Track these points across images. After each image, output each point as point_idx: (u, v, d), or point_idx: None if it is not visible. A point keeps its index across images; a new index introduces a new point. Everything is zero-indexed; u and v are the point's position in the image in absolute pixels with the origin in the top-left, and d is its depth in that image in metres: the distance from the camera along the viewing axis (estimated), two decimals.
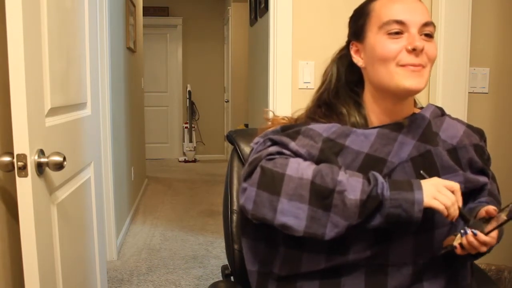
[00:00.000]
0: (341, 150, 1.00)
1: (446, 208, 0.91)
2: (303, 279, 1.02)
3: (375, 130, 1.03)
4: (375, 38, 1.01)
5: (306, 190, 0.92)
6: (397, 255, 1.00)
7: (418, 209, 0.90)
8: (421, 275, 1.03)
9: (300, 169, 0.94)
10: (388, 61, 0.99)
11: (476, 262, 1.15)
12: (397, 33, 0.98)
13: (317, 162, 0.99)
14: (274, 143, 1.01)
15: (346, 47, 1.13)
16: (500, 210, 0.94)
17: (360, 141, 1.01)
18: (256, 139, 1.06)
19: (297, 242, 1.01)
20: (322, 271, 1.01)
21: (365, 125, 1.07)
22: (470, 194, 1.07)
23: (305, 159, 0.99)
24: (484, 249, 0.94)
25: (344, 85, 1.12)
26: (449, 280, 1.05)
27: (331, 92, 1.11)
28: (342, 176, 0.92)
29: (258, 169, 0.95)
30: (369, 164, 1.00)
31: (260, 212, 0.95)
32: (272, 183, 0.93)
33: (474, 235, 0.92)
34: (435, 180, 0.94)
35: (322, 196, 0.92)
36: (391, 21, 0.98)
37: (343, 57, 1.14)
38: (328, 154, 1.00)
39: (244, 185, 0.97)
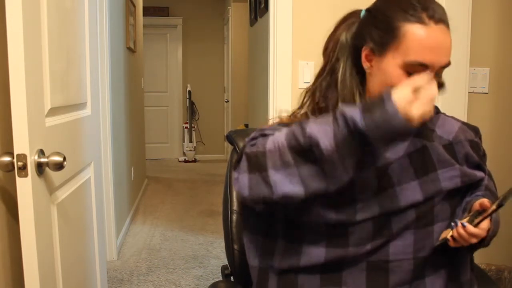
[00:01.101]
0: None
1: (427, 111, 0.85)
2: (304, 273, 1.03)
3: None
4: (394, 68, 0.96)
5: (288, 155, 0.89)
6: (397, 250, 1.00)
7: (398, 118, 0.82)
8: (423, 271, 1.03)
9: (275, 141, 0.92)
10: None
11: (476, 262, 1.15)
12: (420, 70, 0.94)
13: None
14: (263, 135, 1.01)
15: (360, 49, 1.04)
16: (493, 202, 0.95)
17: None
18: (252, 134, 1.04)
19: (296, 235, 1.02)
20: (322, 266, 1.01)
21: None
22: (467, 189, 1.08)
23: None
24: (474, 240, 0.95)
25: (352, 65, 1.05)
26: (449, 275, 1.05)
27: (342, 74, 1.05)
28: (311, 128, 0.88)
29: (244, 157, 0.96)
30: (363, 158, 1.00)
31: (257, 192, 0.93)
32: (258, 164, 0.92)
33: (463, 226, 0.93)
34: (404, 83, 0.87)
35: (304, 154, 0.88)
36: (416, 63, 0.94)
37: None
38: None
39: (235, 175, 0.97)
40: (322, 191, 0.89)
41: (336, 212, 0.98)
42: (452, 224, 0.96)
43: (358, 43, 1.03)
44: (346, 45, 1.07)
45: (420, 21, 0.94)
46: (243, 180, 0.95)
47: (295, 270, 1.03)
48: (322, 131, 0.86)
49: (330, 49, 1.10)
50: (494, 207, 0.92)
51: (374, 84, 1.02)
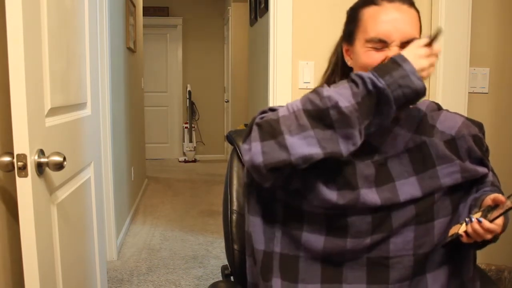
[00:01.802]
0: None
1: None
2: (305, 261, 1.03)
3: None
4: (361, 48, 1.05)
5: (303, 118, 0.92)
6: (397, 246, 1.01)
7: (416, 78, 0.91)
8: (424, 267, 1.04)
9: (289, 107, 0.95)
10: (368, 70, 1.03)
11: (476, 262, 1.15)
12: (379, 48, 1.03)
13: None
14: (272, 109, 1.02)
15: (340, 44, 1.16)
16: (508, 197, 0.94)
17: None
18: (261, 110, 1.08)
19: (296, 222, 1.03)
20: (322, 256, 1.02)
21: None
22: (470, 185, 1.08)
23: None
24: (489, 236, 0.94)
25: (348, 66, 1.15)
26: (452, 272, 1.06)
27: (340, 71, 1.15)
28: (328, 91, 0.92)
29: (255, 127, 0.96)
30: (361, 149, 1.01)
31: (274, 157, 0.92)
32: (271, 130, 0.93)
33: (479, 222, 0.92)
34: (410, 46, 0.97)
35: (319, 117, 0.91)
36: (375, 39, 1.02)
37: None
38: None
39: (246, 146, 0.97)
40: (338, 154, 0.92)
41: (337, 195, 0.98)
42: (467, 219, 0.95)
43: (341, 43, 1.15)
44: (341, 44, 1.17)
45: (374, 3, 1.05)
46: (256, 148, 0.94)
47: (296, 257, 1.04)
48: (339, 93, 0.91)
49: (333, 53, 1.19)
50: (510, 203, 0.91)
51: None
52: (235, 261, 1.31)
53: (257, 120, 0.97)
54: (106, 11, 2.71)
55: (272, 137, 0.92)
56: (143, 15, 5.14)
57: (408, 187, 1.02)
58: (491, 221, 0.92)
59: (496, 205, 0.95)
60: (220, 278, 1.38)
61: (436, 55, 0.96)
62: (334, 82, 1.14)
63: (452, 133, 1.08)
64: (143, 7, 5.13)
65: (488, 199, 0.98)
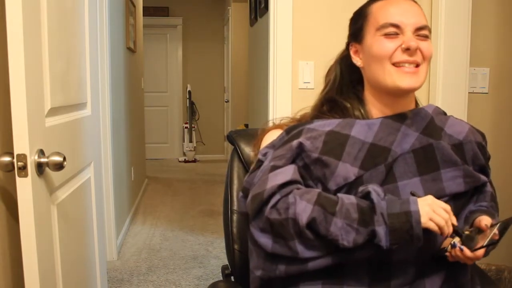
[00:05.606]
0: (347, 140, 1.03)
1: (440, 228, 0.94)
2: (306, 277, 1.03)
3: (379, 120, 1.06)
4: (373, 39, 1.05)
5: (308, 234, 0.95)
6: (400, 254, 1.01)
7: (420, 241, 0.93)
8: (423, 272, 1.04)
9: (297, 214, 0.95)
10: (384, 60, 1.03)
11: (477, 262, 1.15)
12: (393, 34, 1.03)
13: (320, 154, 1.01)
14: (274, 166, 1.02)
15: (347, 48, 1.16)
16: (493, 225, 0.98)
17: (364, 131, 1.04)
18: (264, 150, 1.09)
19: None
20: (325, 268, 1.01)
21: (368, 119, 1.09)
22: (472, 194, 1.09)
23: (308, 151, 1.01)
24: (470, 262, 0.99)
25: (347, 82, 1.16)
26: (448, 276, 1.06)
27: (336, 90, 1.16)
28: (335, 223, 0.94)
29: (267, 221, 0.98)
30: (374, 153, 1.02)
31: (280, 252, 0.98)
32: (282, 232, 0.97)
33: (461, 250, 0.97)
34: (430, 199, 0.96)
35: (323, 240, 0.96)
36: (387, 24, 1.03)
37: (345, 58, 1.18)
38: (332, 145, 1.02)
39: (257, 230, 1.00)
40: (348, 261, 0.98)
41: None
42: (452, 243, 0.99)
43: (347, 48, 1.15)
44: (339, 62, 1.19)
45: None
46: (267, 242, 0.99)
47: (298, 276, 1.03)
48: (344, 230, 0.93)
49: (331, 70, 1.21)
50: (495, 233, 0.94)
51: (369, 72, 1.09)
52: (235, 261, 1.31)
53: (268, 212, 0.98)
54: (106, 11, 2.71)
55: (283, 239, 0.97)
56: (143, 15, 5.14)
57: (410, 188, 1.01)
58: (473, 250, 0.96)
59: (484, 229, 0.99)
60: (220, 278, 1.38)
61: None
62: (331, 99, 1.15)
63: (460, 138, 1.09)
64: (143, 7, 5.13)
65: (478, 221, 1.02)
